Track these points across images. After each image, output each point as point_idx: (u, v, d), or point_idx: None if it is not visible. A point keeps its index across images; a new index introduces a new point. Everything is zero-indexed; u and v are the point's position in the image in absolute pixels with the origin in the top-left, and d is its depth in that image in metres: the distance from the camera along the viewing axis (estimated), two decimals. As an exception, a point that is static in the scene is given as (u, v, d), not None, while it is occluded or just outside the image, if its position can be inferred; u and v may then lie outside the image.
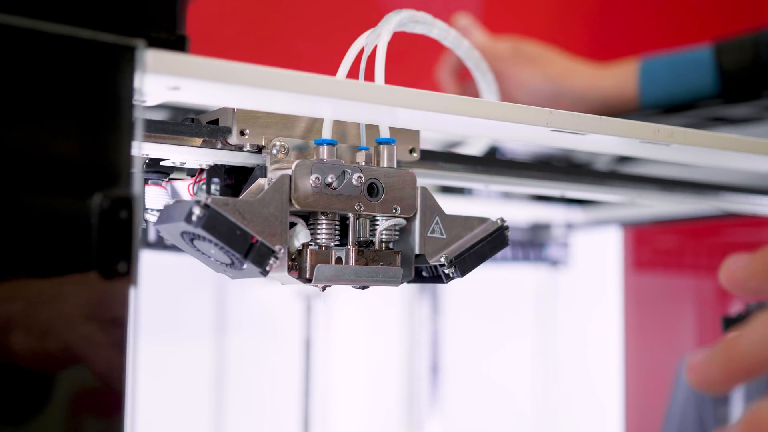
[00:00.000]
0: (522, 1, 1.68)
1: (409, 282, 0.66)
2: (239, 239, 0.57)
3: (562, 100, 1.16)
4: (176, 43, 0.53)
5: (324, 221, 0.63)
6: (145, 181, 0.63)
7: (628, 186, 0.87)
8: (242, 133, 0.62)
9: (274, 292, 1.34)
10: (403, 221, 0.65)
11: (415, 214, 0.65)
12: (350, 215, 0.63)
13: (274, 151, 0.63)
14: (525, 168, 0.82)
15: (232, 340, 1.34)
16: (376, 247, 0.65)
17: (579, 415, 1.58)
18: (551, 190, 0.86)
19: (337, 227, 0.64)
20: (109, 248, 0.46)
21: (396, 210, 0.64)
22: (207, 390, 1.32)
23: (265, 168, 0.63)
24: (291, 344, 1.36)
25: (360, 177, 0.63)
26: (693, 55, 1.15)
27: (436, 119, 0.61)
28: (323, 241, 0.62)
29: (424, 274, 0.67)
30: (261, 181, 0.62)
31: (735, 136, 0.72)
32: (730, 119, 1.17)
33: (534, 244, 1.48)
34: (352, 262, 0.63)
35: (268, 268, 0.58)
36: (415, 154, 0.69)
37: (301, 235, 0.62)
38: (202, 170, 0.65)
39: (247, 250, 0.57)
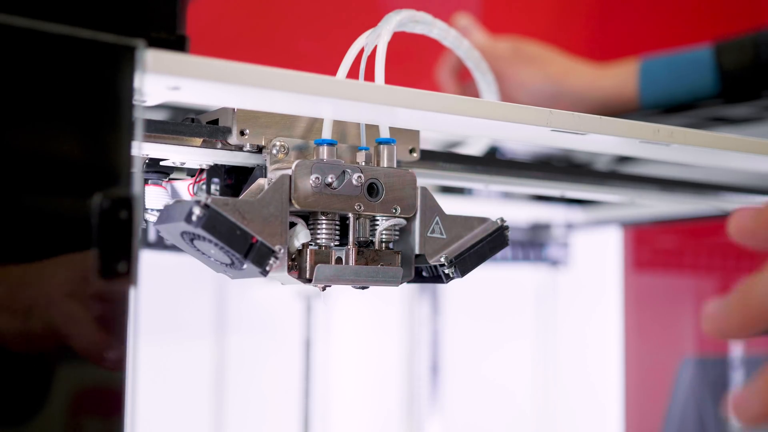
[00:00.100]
0: (522, 1, 1.68)
1: (409, 282, 0.66)
2: (239, 239, 0.57)
3: (562, 100, 1.16)
4: (176, 43, 0.53)
5: (324, 221, 0.63)
6: (145, 181, 0.63)
7: (628, 186, 0.87)
8: (242, 133, 0.62)
9: (274, 292, 1.34)
10: (403, 221, 0.65)
11: (415, 214, 0.65)
12: (350, 215, 0.63)
13: (274, 151, 0.63)
14: (525, 168, 0.82)
15: (232, 340, 1.34)
16: (376, 247, 0.65)
17: (579, 415, 1.58)
18: (551, 190, 0.86)
19: (337, 227, 0.64)
20: (109, 248, 0.46)
21: (396, 210, 0.64)
22: (207, 390, 1.32)
23: (265, 168, 0.63)
24: (291, 344, 1.36)
25: (360, 177, 0.63)
26: (693, 55, 1.15)
27: (436, 119, 0.61)
28: (323, 241, 0.63)
29: (424, 274, 0.67)
30: (261, 181, 0.62)
31: (735, 136, 0.72)
32: (730, 119, 1.17)
33: (534, 244, 1.48)
34: (352, 262, 0.63)
35: (268, 268, 0.58)
36: (415, 154, 0.69)
37: (301, 235, 0.62)
38: (202, 170, 0.65)
39: (247, 250, 0.57)
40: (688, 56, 1.15)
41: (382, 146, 0.65)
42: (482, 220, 0.68)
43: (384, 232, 0.65)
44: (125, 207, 0.47)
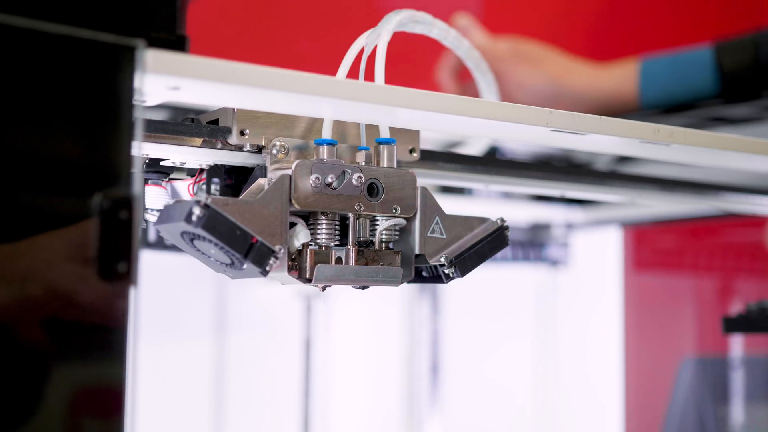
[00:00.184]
0: (522, 1, 1.68)
1: (409, 282, 0.66)
2: (239, 239, 0.57)
3: (562, 100, 1.16)
4: (176, 43, 0.53)
5: (324, 221, 0.63)
6: (145, 181, 0.63)
7: (628, 186, 0.87)
8: (242, 133, 0.62)
9: (274, 292, 1.34)
10: (403, 221, 0.65)
11: (415, 214, 0.65)
12: (350, 215, 0.63)
13: (274, 151, 0.63)
14: (525, 168, 0.82)
15: (232, 340, 1.34)
16: (376, 247, 0.65)
17: (579, 415, 1.58)
18: (551, 190, 0.86)
19: (337, 227, 0.64)
20: (109, 248, 0.46)
21: (396, 210, 0.64)
22: (207, 390, 1.32)
23: (265, 168, 0.63)
24: (291, 344, 1.36)
25: (360, 177, 0.63)
26: (693, 55, 1.15)
27: (436, 119, 0.61)
28: (323, 241, 0.62)
29: (424, 274, 0.67)
30: (261, 181, 0.62)
31: (735, 136, 0.72)
32: (730, 119, 1.17)
33: (534, 244, 1.48)
34: (352, 262, 0.63)
35: (268, 268, 0.58)
36: (415, 154, 0.69)
37: (301, 235, 0.62)
38: (202, 170, 0.65)
39: (247, 250, 0.57)
40: (688, 56, 1.15)
41: (382, 146, 0.65)
42: (482, 220, 0.68)
43: (384, 232, 0.65)
44: (125, 207, 0.47)
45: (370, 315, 1.47)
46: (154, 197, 0.63)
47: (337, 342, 1.42)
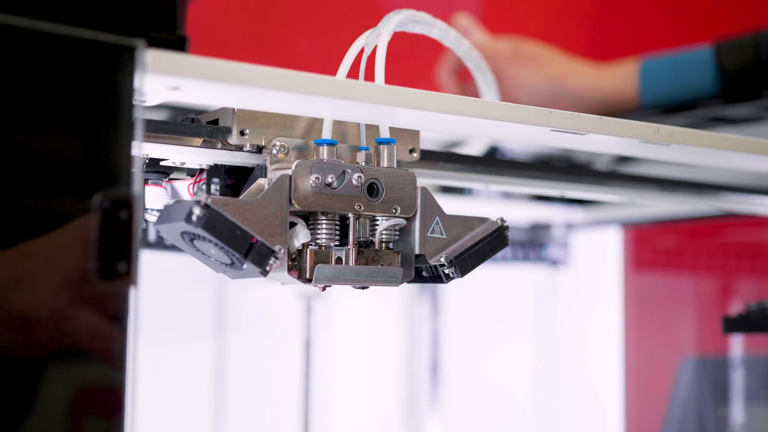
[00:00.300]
0: (522, 1, 1.68)
1: (409, 282, 0.66)
2: (239, 239, 0.57)
3: (562, 100, 1.16)
4: (176, 43, 0.53)
5: (324, 221, 0.63)
6: (145, 181, 0.63)
7: (628, 186, 0.87)
8: (242, 133, 0.62)
9: (274, 292, 1.34)
10: (403, 221, 0.65)
11: (415, 214, 0.65)
12: (350, 215, 0.63)
13: (274, 151, 0.63)
14: (525, 168, 0.82)
15: (232, 340, 1.34)
16: (376, 247, 0.65)
17: (579, 415, 1.58)
18: (551, 190, 0.86)
19: (337, 227, 0.64)
20: (109, 248, 0.46)
21: (396, 210, 0.64)
22: (207, 390, 1.32)
23: (265, 168, 0.63)
24: (291, 344, 1.36)
25: (360, 177, 0.63)
26: (693, 55, 1.15)
27: (436, 119, 0.61)
28: (323, 241, 0.62)
29: (424, 274, 0.67)
30: (261, 181, 0.62)
31: (735, 136, 0.72)
32: (730, 119, 1.17)
33: (534, 244, 1.48)
34: (352, 262, 0.63)
35: (268, 268, 0.58)
36: (415, 154, 0.69)
37: (301, 235, 0.62)
38: (202, 170, 0.65)
39: (247, 250, 0.57)
40: (688, 56, 1.15)
41: (382, 146, 0.65)
42: (482, 220, 0.68)
43: (384, 232, 0.65)
44: (125, 207, 0.47)
45: (370, 315, 1.47)
46: (154, 197, 0.63)
47: (337, 342, 1.42)
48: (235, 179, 0.65)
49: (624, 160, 1.24)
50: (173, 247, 0.63)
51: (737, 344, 1.46)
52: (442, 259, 0.65)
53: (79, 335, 0.46)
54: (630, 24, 1.77)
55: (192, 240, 0.58)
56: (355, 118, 0.66)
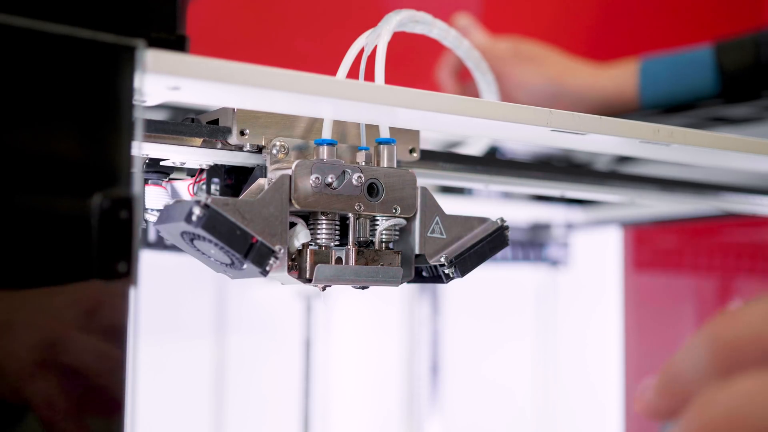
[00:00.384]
0: (522, 1, 1.68)
1: (409, 282, 0.66)
2: (239, 239, 0.57)
3: (562, 100, 1.16)
4: (176, 43, 0.53)
5: (324, 221, 0.63)
6: (145, 181, 0.63)
7: (628, 186, 0.87)
8: (242, 133, 0.62)
9: (274, 292, 1.34)
10: (403, 221, 0.65)
11: (415, 214, 0.65)
12: (350, 215, 0.63)
13: (274, 151, 0.63)
14: (525, 168, 0.82)
15: (232, 340, 1.34)
16: (376, 247, 0.65)
17: (579, 415, 1.58)
18: (551, 190, 0.86)
19: (337, 227, 0.64)
20: (109, 248, 0.46)
21: (396, 210, 0.64)
22: (207, 390, 1.32)
23: (265, 168, 0.63)
24: (291, 344, 1.36)
25: (360, 177, 0.63)
26: (693, 55, 1.15)
27: (436, 119, 0.61)
28: (323, 241, 0.63)
29: (424, 274, 0.67)
30: (261, 181, 0.62)
31: (735, 136, 0.72)
32: (730, 119, 1.17)
33: (534, 244, 1.48)
34: (352, 262, 0.63)
35: (268, 268, 0.58)
36: (415, 154, 0.69)
37: (301, 235, 0.62)
38: (202, 170, 0.65)
39: (247, 250, 0.57)
40: (689, 56, 1.15)
41: (382, 146, 0.65)
42: (482, 220, 0.68)
43: (384, 232, 0.65)
44: (125, 207, 0.47)
45: (370, 315, 1.47)
46: (154, 197, 0.63)
47: (337, 342, 1.42)
48: (235, 179, 0.65)
49: (624, 160, 1.24)
50: (173, 247, 0.63)
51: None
52: (442, 259, 0.65)
53: (78, 335, 0.46)
54: (630, 24, 1.77)
55: (192, 240, 0.58)
56: (355, 118, 0.66)
